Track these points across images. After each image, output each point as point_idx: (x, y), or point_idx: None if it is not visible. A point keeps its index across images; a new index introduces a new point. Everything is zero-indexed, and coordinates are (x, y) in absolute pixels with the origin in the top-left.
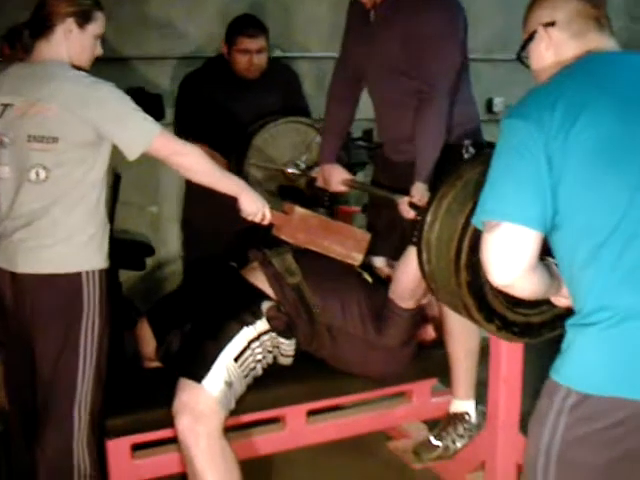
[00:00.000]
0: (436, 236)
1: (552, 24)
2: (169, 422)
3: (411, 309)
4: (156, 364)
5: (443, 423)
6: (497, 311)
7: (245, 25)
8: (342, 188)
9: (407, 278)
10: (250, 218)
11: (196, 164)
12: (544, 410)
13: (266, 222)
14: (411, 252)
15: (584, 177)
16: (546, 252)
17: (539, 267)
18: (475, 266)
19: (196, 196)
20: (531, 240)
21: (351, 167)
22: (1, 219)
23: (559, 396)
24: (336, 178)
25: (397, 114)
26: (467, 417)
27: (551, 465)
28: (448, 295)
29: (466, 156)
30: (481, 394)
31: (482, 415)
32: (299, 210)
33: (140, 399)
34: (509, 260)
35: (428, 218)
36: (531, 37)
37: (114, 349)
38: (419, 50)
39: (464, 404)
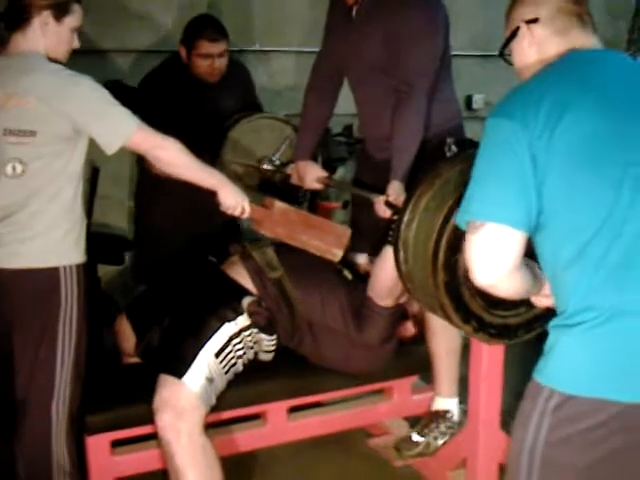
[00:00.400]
0: (413, 235)
1: (535, 21)
2: (149, 418)
3: (389, 307)
4: (136, 360)
5: (425, 420)
6: (474, 312)
7: (206, 28)
8: (317, 185)
9: (384, 277)
10: (230, 212)
11: (175, 158)
12: (527, 411)
13: (245, 216)
14: (388, 251)
15: (569, 176)
16: (529, 255)
17: (522, 267)
18: (453, 266)
19: (151, 194)
20: (515, 241)
21: (331, 163)
22: None
23: (542, 397)
24: (311, 175)
25: (378, 111)
26: (449, 415)
27: (535, 466)
28: (425, 296)
29: (448, 154)
30: (462, 391)
31: (464, 413)
32: (279, 204)
33: (120, 395)
34: (493, 261)
35: (405, 217)
36: (514, 34)
37: (93, 344)
38: (398, 49)
39: (446, 402)
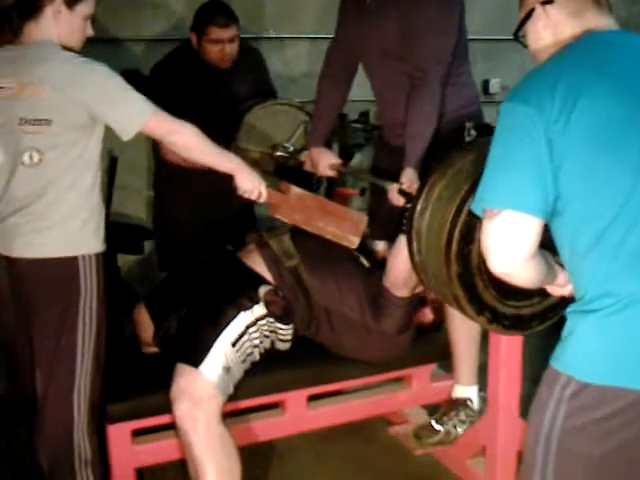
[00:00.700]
0: (426, 225)
1: (550, 2)
2: (170, 408)
3: (405, 297)
4: (154, 349)
5: (445, 408)
6: (488, 303)
7: (216, 13)
8: (330, 173)
9: (399, 267)
10: (246, 196)
11: (192, 142)
12: (544, 398)
13: (262, 200)
14: (402, 241)
15: (585, 161)
16: (542, 245)
17: (537, 255)
18: (466, 257)
19: (168, 184)
20: (532, 228)
21: (348, 149)
22: None
23: (559, 384)
24: (324, 162)
25: (394, 97)
26: (469, 403)
27: (550, 454)
28: (439, 286)
29: (468, 139)
30: (482, 379)
31: (484, 401)
32: (296, 190)
33: (141, 384)
34: (510, 248)
35: (418, 206)
36: (528, 16)
37: (113, 334)
38: (413, 36)
39: (467, 390)
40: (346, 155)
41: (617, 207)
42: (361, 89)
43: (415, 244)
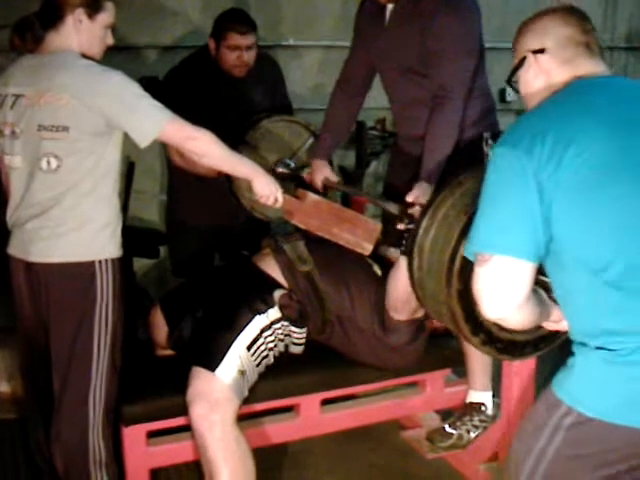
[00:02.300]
0: (430, 242)
1: (541, 51)
2: (185, 410)
3: (403, 321)
4: (168, 352)
5: (459, 412)
6: (484, 325)
7: (235, 21)
8: (319, 186)
9: (398, 289)
10: (263, 201)
11: (209, 148)
12: (540, 420)
13: (278, 206)
14: (401, 263)
15: (577, 204)
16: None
17: (531, 298)
18: (468, 276)
19: (181, 192)
20: (524, 272)
21: (366, 156)
22: (14, 208)
23: (559, 412)
24: (319, 175)
25: (413, 111)
26: (483, 408)
27: (537, 475)
28: (435, 304)
29: (486, 149)
30: (496, 385)
31: (497, 407)
32: (312, 196)
33: (157, 387)
34: (502, 294)
35: (424, 223)
36: (521, 63)
37: (128, 337)
38: (433, 54)
39: (481, 395)
40: (363, 163)
41: (613, 248)
42: (378, 97)
43: (416, 260)
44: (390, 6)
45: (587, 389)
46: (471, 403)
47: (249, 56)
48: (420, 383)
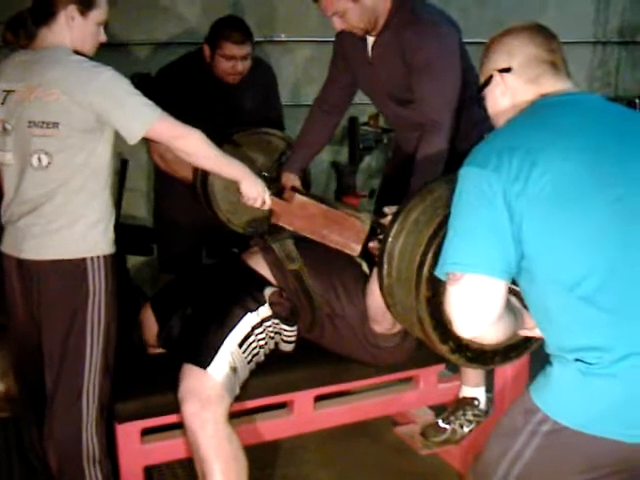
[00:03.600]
0: (400, 248)
1: (508, 70)
2: (179, 407)
3: (384, 334)
4: (160, 350)
5: (452, 407)
6: (452, 333)
7: (231, 30)
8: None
9: (375, 300)
10: (250, 203)
11: (198, 148)
12: (517, 424)
13: (266, 207)
14: (375, 274)
15: (546, 220)
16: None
17: (504, 314)
18: (437, 283)
19: (167, 190)
20: (497, 290)
21: (358, 152)
22: (7, 205)
23: (536, 418)
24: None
25: (405, 132)
26: (476, 403)
27: (510, 477)
28: (404, 311)
29: None
30: (490, 380)
31: (491, 402)
32: (299, 197)
33: (150, 384)
34: (475, 313)
35: (394, 229)
36: (487, 82)
37: (122, 334)
38: (416, 84)
39: (473, 390)
40: (356, 158)
41: (584, 264)
42: None
43: (386, 267)
44: (371, 38)
45: (563, 399)
46: (464, 398)
47: (244, 66)
48: (414, 379)
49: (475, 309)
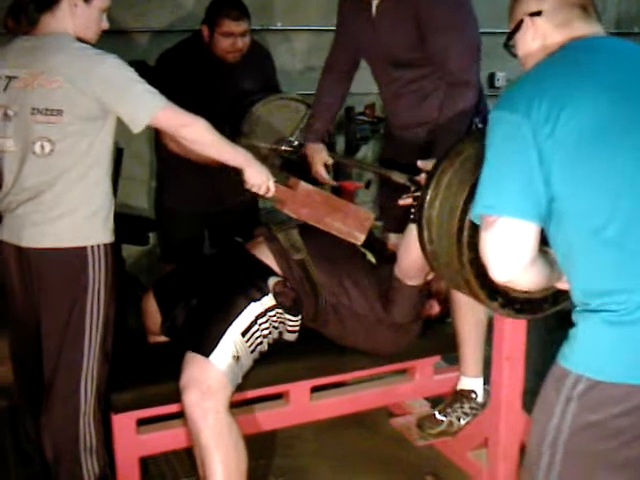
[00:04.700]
0: (437, 213)
1: (538, 14)
2: (175, 397)
3: (417, 286)
4: (160, 339)
5: (449, 399)
6: (499, 289)
7: (229, 7)
8: (322, 172)
9: (410, 257)
10: (254, 190)
11: (202, 136)
12: (551, 397)
13: (270, 195)
14: (412, 230)
15: (576, 164)
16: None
17: (539, 259)
18: (477, 244)
19: (169, 179)
20: (530, 233)
21: (355, 142)
22: (6, 193)
23: (568, 383)
24: (318, 159)
25: (406, 102)
26: (474, 395)
27: (557, 454)
28: (451, 273)
29: None
30: (485, 372)
31: (488, 394)
32: (304, 185)
33: (146, 374)
34: (509, 256)
35: (428, 195)
36: (517, 27)
37: (118, 324)
38: (436, 42)
39: (471, 381)
40: (352, 148)
41: (611, 207)
42: (366, 82)
43: (426, 233)
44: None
45: (592, 353)
46: (462, 390)
47: (243, 42)
48: (410, 370)
49: (509, 252)
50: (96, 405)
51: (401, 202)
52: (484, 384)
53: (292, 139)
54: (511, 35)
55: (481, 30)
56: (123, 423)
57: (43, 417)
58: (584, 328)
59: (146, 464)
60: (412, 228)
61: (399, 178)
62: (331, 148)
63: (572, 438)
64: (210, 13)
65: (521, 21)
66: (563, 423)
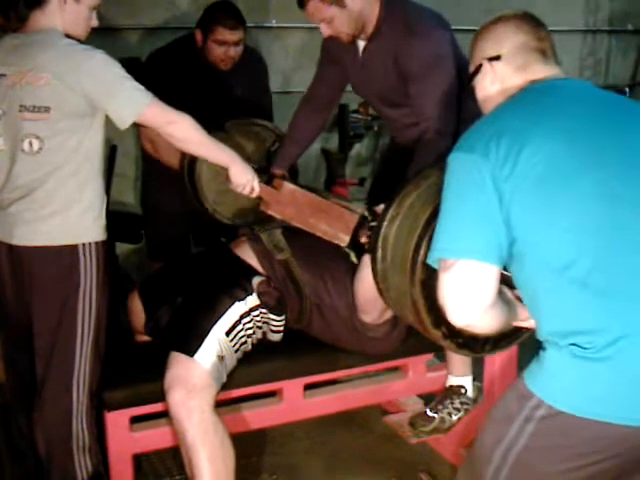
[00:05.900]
0: (395, 232)
1: (497, 58)
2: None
3: (372, 324)
4: (147, 338)
5: (440, 396)
6: (445, 318)
7: (225, 15)
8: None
9: (363, 288)
10: (239, 190)
11: (189, 133)
12: (511, 410)
13: (254, 195)
14: (366, 261)
15: (534, 203)
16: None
17: (497, 302)
18: (432, 267)
19: (154, 176)
20: (489, 276)
21: (348, 139)
22: None
23: (530, 404)
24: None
25: (409, 132)
26: (464, 390)
27: (506, 464)
28: (398, 296)
29: None
30: (478, 369)
31: (479, 390)
32: (288, 186)
33: (140, 372)
34: (468, 299)
35: (389, 214)
36: (477, 71)
37: (110, 323)
38: (412, 91)
39: (460, 379)
40: (346, 145)
41: (575, 247)
42: None
43: (380, 251)
44: (361, 42)
45: (558, 383)
46: (451, 386)
47: (236, 51)
48: (402, 368)
49: (468, 295)
50: (89, 403)
51: (362, 235)
52: (475, 381)
53: (255, 166)
54: (471, 78)
55: (477, 27)
56: (116, 421)
57: (36, 414)
58: (551, 357)
59: (139, 461)
60: (366, 259)
61: (357, 209)
62: (294, 176)
63: (525, 455)
64: (205, 18)
65: (480, 65)
66: (519, 438)
